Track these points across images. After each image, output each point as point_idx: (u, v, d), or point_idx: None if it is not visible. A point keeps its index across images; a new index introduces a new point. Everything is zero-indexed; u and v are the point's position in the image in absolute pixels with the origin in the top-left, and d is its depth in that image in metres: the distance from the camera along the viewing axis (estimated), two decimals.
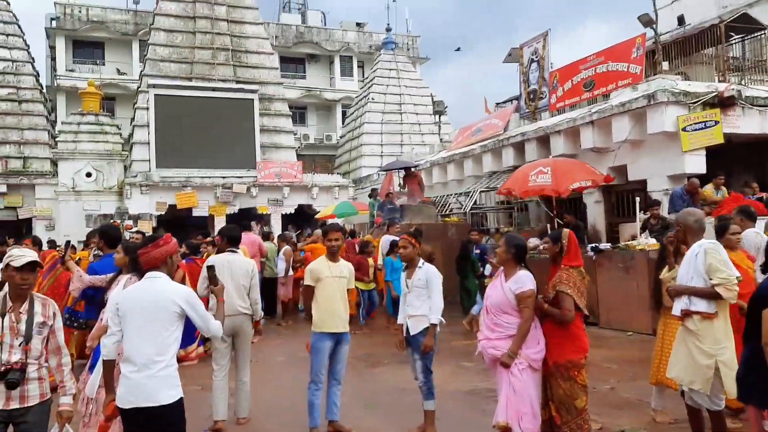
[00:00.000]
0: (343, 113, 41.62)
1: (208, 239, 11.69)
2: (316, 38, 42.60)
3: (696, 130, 11.76)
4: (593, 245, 11.00)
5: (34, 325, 3.67)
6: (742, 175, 12.84)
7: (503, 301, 4.71)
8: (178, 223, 25.56)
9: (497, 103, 21.89)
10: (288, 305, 13.19)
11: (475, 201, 16.81)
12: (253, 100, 27.45)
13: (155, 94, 25.60)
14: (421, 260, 5.59)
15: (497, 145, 16.70)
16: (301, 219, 28.52)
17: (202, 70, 26.97)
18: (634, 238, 10.73)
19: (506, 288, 4.73)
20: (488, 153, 17.15)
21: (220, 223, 25.71)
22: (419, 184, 15.78)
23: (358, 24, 44.67)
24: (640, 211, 12.51)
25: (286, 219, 26.97)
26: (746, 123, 12.26)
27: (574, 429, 4.67)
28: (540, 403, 4.68)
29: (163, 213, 24.89)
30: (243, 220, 27.07)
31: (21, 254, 3.60)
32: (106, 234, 6.45)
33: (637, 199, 11.43)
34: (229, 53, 27.87)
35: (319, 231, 14.58)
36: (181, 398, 3.76)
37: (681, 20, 15.83)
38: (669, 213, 11.57)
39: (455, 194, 17.09)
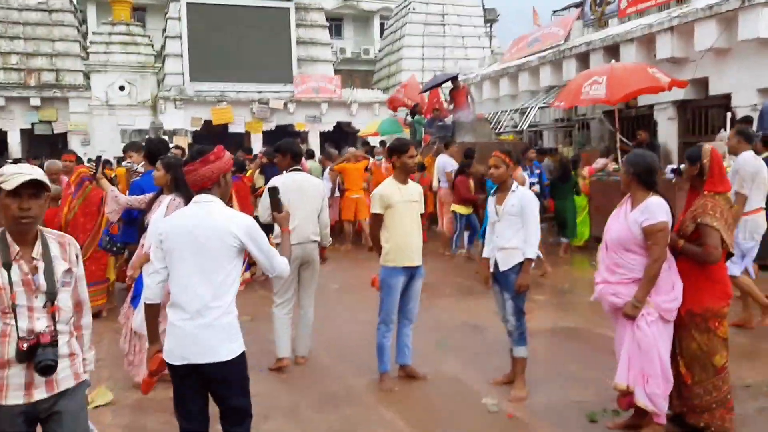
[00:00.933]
0: (382, 25, 39.70)
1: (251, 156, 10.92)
2: None
3: None
4: (673, 166, 9.91)
5: (58, 276, 2.59)
6: None
7: (627, 236, 3.83)
8: (215, 139, 24.86)
9: (554, 11, 20.20)
10: (334, 228, 12.46)
11: (531, 118, 15.65)
12: (288, 9, 26.06)
13: (188, 2, 24.35)
14: (515, 183, 4.68)
15: (557, 57, 15.32)
16: (340, 137, 27.58)
17: None
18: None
19: (631, 219, 3.84)
20: (546, 65, 15.80)
21: (256, 140, 25.01)
22: (468, 98, 14.61)
23: None
24: (724, 129, 11.32)
25: (325, 137, 26.05)
26: None
27: (709, 390, 3.85)
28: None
29: (198, 129, 24.18)
30: (282, 137, 26.28)
31: (16, 171, 2.47)
32: (152, 148, 5.63)
33: (728, 114, 10.19)
34: None
35: (352, 149, 13.71)
36: (243, 352, 3.02)
37: None
38: (758, 131, 10.36)
39: (510, 110, 15.89)
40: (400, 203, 4.80)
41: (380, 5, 40.11)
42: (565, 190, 10.38)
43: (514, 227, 4.55)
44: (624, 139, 13.53)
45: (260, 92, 25.04)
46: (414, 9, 32.32)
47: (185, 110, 23.90)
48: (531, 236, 4.53)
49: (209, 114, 24.08)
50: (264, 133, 25.10)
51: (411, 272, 4.84)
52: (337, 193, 12.11)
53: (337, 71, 30.35)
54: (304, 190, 5.33)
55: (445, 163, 10.79)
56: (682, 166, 10.01)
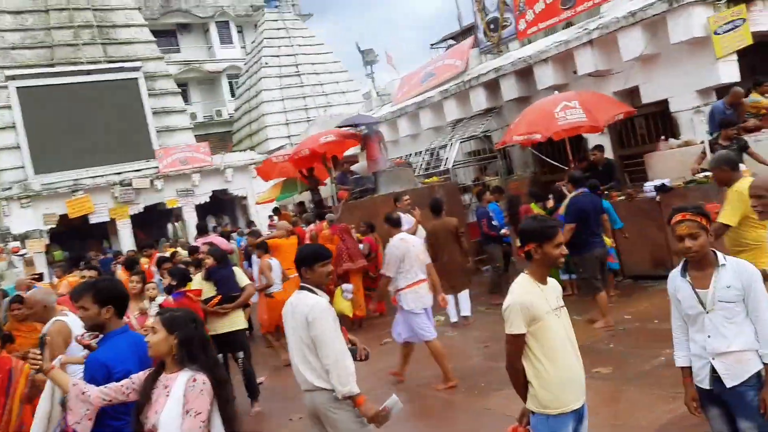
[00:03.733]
0: (231, 84, 37.85)
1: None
2: (185, 5, 38.09)
3: (726, 32, 10.04)
4: (656, 183, 9.08)
5: None
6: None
7: None
8: (76, 234, 21.64)
9: (432, 45, 19.58)
10: (278, 323, 10.45)
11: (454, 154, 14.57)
12: (137, 79, 23.60)
13: (17, 87, 21.16)
14: (721, 255, 3.26)
15: (462, 88, 14.45)
16: (219, 208, 25.23)
17: (65, 54, 22.80)
18: (699, 171, 8.87)
19: None
20: (451, 98, 14.88)
21: (124, 226, 22.12)
22: (382, 144, 13.26)
23: None
24: (664, 138, 10.81)
25: (202, 210, 23.62)
26: (764, 18, 10.68)
27: None
28: None
29: (54, 226, 20.84)
30: (152, 218, 23.55)
31: None
32: (103, 287, 3.58)
33: (701, 119, 9.57)
34: (94, 30, 23.77)
35: (283, 223, 11.85)
36: None
37: None
38: (711, 133, 9.89)
39: (424, 151, 14.73)
40: (550, 314, 3.21)
41: (225, 65, 38.28)
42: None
43: (737, 318, 3.12)
44: (553, 161, 12.82)
45: (120, 174, 22.20)
46: (267, 63, 30.88)
47: (34, 208, 20.52)
48: (766, 327, 3.10)
49: (64, 207, 20.86)
50: (132, 217, 22.23)
51: (580, 414, 3.24)
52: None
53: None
54: (291, 316, 3.86)
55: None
56: (666, 182, 9.29)
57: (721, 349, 3.13)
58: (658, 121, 11.44)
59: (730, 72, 10.29)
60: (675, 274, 3.36)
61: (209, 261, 6.78)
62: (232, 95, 37.11)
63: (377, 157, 12.43)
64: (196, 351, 2.99)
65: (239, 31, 39.79)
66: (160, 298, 6.31)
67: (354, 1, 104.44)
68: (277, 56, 31.25)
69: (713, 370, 3.16)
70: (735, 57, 10.31)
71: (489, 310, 9.33)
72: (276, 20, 32.47)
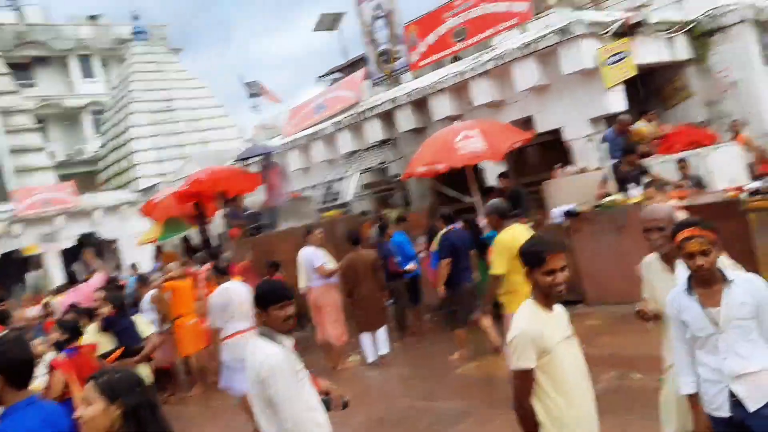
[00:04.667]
0: (95, 120, 35.55)
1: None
2: (42, 37, 35.49)
3: (614, 63, 10.51)
4: (564, 208, 9.16)
5: None
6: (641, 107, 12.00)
7: None
8: None
9: (319, 77, 19.27)
10: (172, 371, 9.45)
11: (326, 189, 14.20)
12: None
13: None
14: (728, 270, 3.05)
15: (357, 119, 14.19)
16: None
17: None
18: (605, 195, 9.08)
19: None
20: (345, 130, 14.56)
21: None
22: (281, 177, 12.68)
23: (91, 17, 38.30)
24: (561, 165, 11.08)
25: (69, 255, 21.60)
26: (645, 51, 11.33)
27: None
28: None
29: None
30: (6, 267, 21.15)
31: None
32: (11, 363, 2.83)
33: (594, 146, 9.82)
34: None
35: (173, 265, 10.87)
36: None
37: None
38: (611, 159, 10.24)
39: (320, 184, 14.26)
40: (561, 344, 2.85)
41: (87, 100, 35.92)
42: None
43: (752, 336, 2.90)
44: (453, 192, 12.82)
45: None
46: (136, 98, 29.28)
47: None
48: None
49: None
50: None
51: None
52: (165, 326, 9.17)
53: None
54: (248, 365, 3.32)
55: (313, 256, 8.67)
56: (574, 206, 9.41)
57: (739, 371, 2.90)
58: (552, 150, 11.74)
59: (617, 101, 10.75)
60: (678, 293, 3.12)
61: (106, 309, 5.87)
62: (97, 132, 34.85)
63: (277, 191, 11.80)
64: (146, 423, 2.32)
65: (103, 65, 37.60)
66: (50, 356, 5.34)
67: (234, 35, 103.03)
68: (148, 90, 29.75)
69: (731, 395, 2.92)
70: (622, 87, 10.81)
71: (405, 345, 8.94)
72: (145, 53, 31.02)
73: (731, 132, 10.72)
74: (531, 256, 2.90)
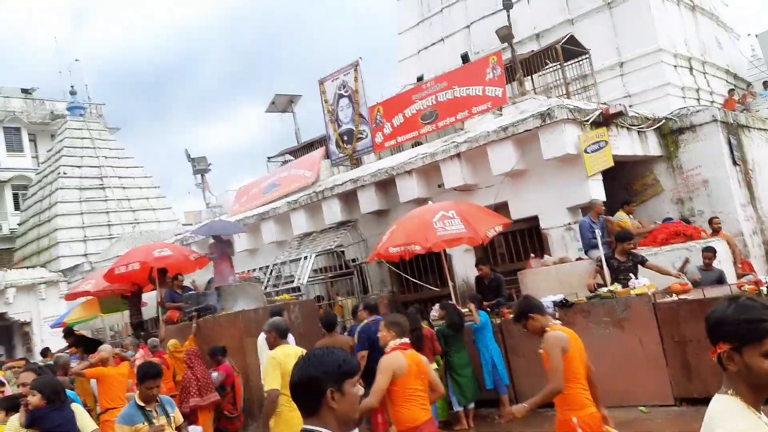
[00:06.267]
0: (16, 195, 33.33)
1: None
2: None
3: (594, 151, 10.15)
4: (558, 299, 8.34)
5: None
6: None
7: None
8: None
9: (269, 158, 18.40)
10: None
11: (276, 272, 13.03)
12: None
13: None
14: None
15: (315, 199, 13.29)
16: None
17: None
18: (598, 287, 8.35)
19: None
20: (300, 210, 13.61)
21: None
22: (230, 256, 11.47)
23: (24, 90, 36.75)
24: (537, 255, 10.42)
25: None
26: (619, 143, 11.09)
27: None
28: None
29: None
30: None
31: None
32: None
33: (573, 236, 9.18)
34: None
35: (106, 346, 9.38)
36: None
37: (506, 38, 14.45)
38: (585, 250, 9.65)
39: (272, 265, 13.05)
40: None
41: (11, 174, 33.76)
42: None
43: None
44: (417, 280, 11.92)
45: None
46: (65, 174, 27.62)
47: None
48: None
49: None
50: None
51: None
52: None
53: None
54: None
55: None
56: (570, 297, 8.60)
57: None
58: (526, 238, 11.12)
59: (597, 190, 10.33)
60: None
61: (34, 399, 4.46)
62: (16, 208, 32.61)
63: (227, 270, 10.58)
64: None
65: (31, 140, 35.76)
66: None
67: (180, 117, 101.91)
68: (79, 167, 28.18)
69: None
70: (600, 177, 10.42)
71: None
72: (80, 129, 29.66)
73: (711, 229, 10.38)
74: (747, 327, 1.94)
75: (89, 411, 7.72)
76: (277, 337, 5.62)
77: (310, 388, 2.24)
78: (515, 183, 10.89)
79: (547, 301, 8.40)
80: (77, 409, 4.86)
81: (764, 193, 12.50)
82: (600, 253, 9.14)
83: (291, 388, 2.30)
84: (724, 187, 11.47)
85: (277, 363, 5.26)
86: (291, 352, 5.46)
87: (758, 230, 11.93)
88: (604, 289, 7.99)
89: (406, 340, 4.86)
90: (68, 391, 5.28)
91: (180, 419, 4.91)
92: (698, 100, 15.42)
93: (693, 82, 15.96)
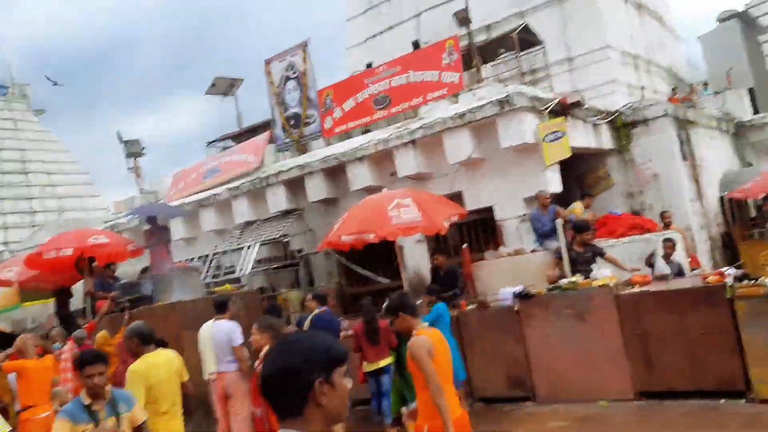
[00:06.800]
0: None
1: None
2: None
3: (552, 141, 9.93)
4: (515, 290, 8.01)
5: None
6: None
7: None
8: None
9: (209, 142, 17.52)
10: None
11: (216, 262, 12.33)
12: None
13: None
14: None
15: (259, 186, 12.61)
16: None
17: None
18: (559, 278, 8.07)
19: None
20: (242, 197, 12.90)
21: None
22: (167, 243, 10.70)
23: None
24: (493, 246, 10.15)
25: None
26: (575, 134, 10.92)
27: None
28: None
29: None
30: None
31: None
32: None
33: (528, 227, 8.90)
34: None
35: (27, 335, 8.55)
36: None
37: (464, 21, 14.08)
38: (540, 242, 9.44)
39: (211, 254, 12.30)
40: None
41: None
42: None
43: None
44: (367, 272, 11.49)
45: None
46: None
47: None
48: None
49: None
50: None
51: None
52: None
53: None
54: None
55: (232, 333, 6.86)
56: (531, 288, 8.29)
57: None
58: (480, 230, 10.82)
59: (554, 181, 10.12)
60: None
61: None
62: None
63: (164, 258, 9.83)
64: None
65: None
66: None
67: (112, 105, 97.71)
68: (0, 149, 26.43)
69: None
70: (557, 167, 10.21)
71: None
72: (2, 110, 27.81)
73: (662, 223, 10.33)
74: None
75: (5, 408, 6.97)
76: (140, 344, 5.00)
77: (290, 382, 1.72)
78: (471, 172, 10.57)
79: (507, 292, 8.12)
80: None
81: (709, 189, 12.63)
82: (557, 244, 8.94)
83: (263, 383, 1.78)
84: (674, 181, 11.48)
85: (139, 377, 4.73)
86: (159, 360, 4.99)
87: (705, 225, 12.02)
88: (565, 281, 7.72)
89: None
90: None
91: (140, 417, 4.19)
92: (642, 98, 15.54)
93: (638, 79, 16.09)
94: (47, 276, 11.33)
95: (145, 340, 5.05)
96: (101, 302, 10.48)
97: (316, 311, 7.62)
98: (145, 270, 10.72)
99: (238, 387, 6.70)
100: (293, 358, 1.73)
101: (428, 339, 3.99)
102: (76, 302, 12.26)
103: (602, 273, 7.54)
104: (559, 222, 8.52)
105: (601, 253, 8.11)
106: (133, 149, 15.47)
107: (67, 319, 11.25)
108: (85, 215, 24.87)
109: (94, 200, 27.43)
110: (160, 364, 4.95)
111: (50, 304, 11.97)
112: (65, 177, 27.89)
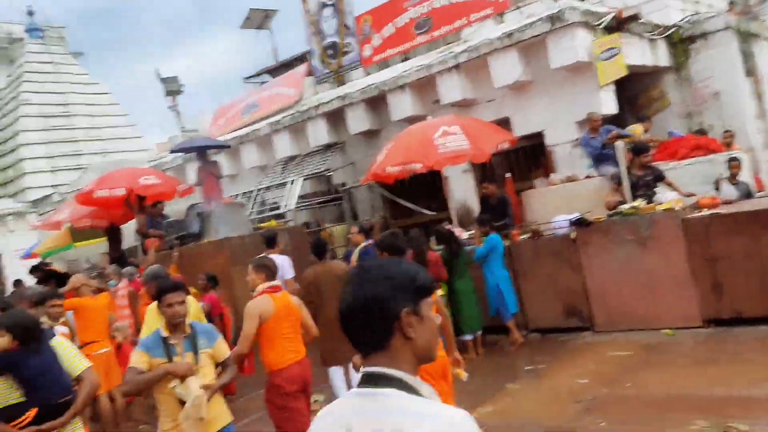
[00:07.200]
0: None
1: None
2: None
3: (607, 59, 9.34)
4: (573, 217, 7.69)
5: None
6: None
7: None
8: None
9: (246, 78, 17.23)
10: None
11: (260, 198, 12.22)
12: None
13: None
14: None
15: (299, 120, 12.35)
16: None
17: None
18: (619, 204, 7.68)
19: None
20: (284, 132, 12.68)
21: None
22: (217, 178, 10.63)
23: None
24: (541, 172, 9.77)
25: None
26: (629, 51, 10.26)
27: None
28: None
29: None
30: None
31: None
32: None
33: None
34: None
35: (79, 275, 8.64)
36: None
37: None
38: (594, 168, 9.00)
39: (256, 190, 12.21)
40: None
41: None
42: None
43: None
44: (410, 204, 11.24)
45: None
46: (27, 100, 26.03)
47: None
48: None
49: None
50: None
51: None
52: None
53: None
54: None
55: (283, 267, 6.78)
56: (587, 215, 7.96)
57: None
58: (529, 157, 10.42)
59: (609, 102, 9.59)
60: None
61: (2, 341, 3.56)
62: None
63: (214, 193, 9.75)
64: None
65: None
66: None
67: (147, 45, 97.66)
68: (42, 93, 26.56)
69: None
70: (612, 87, 9.65)
71: None
72: (41, 53, 27.81)
73: (724, 143, 9.75)
74: None
75: None
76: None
77: (375, 311, 1.49)
78: (518, 96, 10.09)
79: (562, 220, 7.80)
80: (60, 344, 3.68)
81: None
82: (612, 168, 8.53)
83: (343, 315, 1.56)
84: (736, 99, 10.77)
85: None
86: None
87: None
88: (626, 206, 7.34)
89: (276, 282, 4.76)
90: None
91: (223, 352, 3.87)
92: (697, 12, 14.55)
93: None
94: (98, 216, 11.42)
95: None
96: (151, 240, 10.57)
97: (363, 244, 7.46)
98: (191, 207, 10.66)
99: None
100: (378, 285, 1.50)
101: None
102: (127, 242, 12.40)
103: (667, 197, 7.13)
104: (620, 145, 8.06)
105: (661, 177, 7.67)
106: (172, 87, 15.31)
107: (119, 259, 11.39)
108: (129, 157, 25.07)
109: (136, 142, 27.57)
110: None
111: (102, 243, 12.12)
112: (107, 119, 28.02)
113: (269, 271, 4.75)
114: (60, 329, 4.98)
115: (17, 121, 25.76)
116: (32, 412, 3.31)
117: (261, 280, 4.74)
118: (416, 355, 1.53)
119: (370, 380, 1.50)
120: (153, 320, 4.77)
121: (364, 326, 1.51)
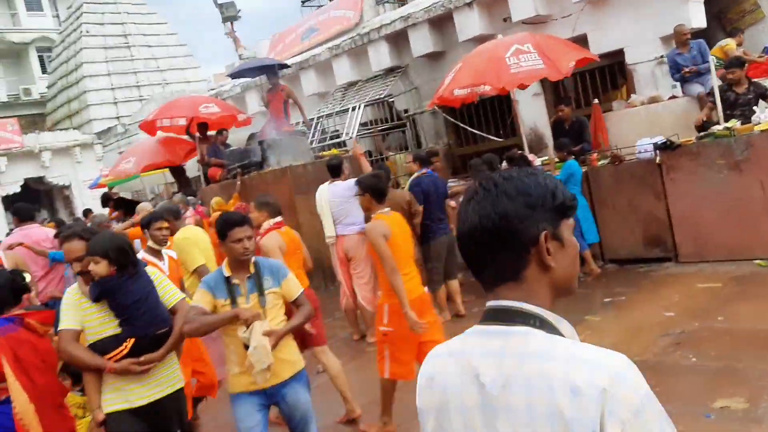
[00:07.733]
0: (42, 58, 32.14)
1: None
2: None
3: None
4: (651, 140, 7.14)
5: None
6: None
7: None
8: None
9: (303, 2, 16.71)
10: None
11: (321, 126, 11.94)
12: None
13: None
14: None
15: (359, 43, 11.88)
16: (34, 200, 20.49)
17: None
18: (705, 123, 7.08)
19: None
20: (343, 56, 12.26)
21: None
22: (286, 105, 10.39)
23: None
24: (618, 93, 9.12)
25: (11, 201, 18.90)
26: None
27: None
28: None
29: None
30: None
31: None
32: None
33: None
34: None
35: (145, 204, 8.71)
36: None
37: None
38: (680, 87, 8.31)
39: (318, 117, 11.93)
40: None
41: (34, 35, 32.34)
42: None
43: None
44: (477, 131, 10.74)
45: None
46: (88, 32, 26.14)
47: None
48: None
49: None
50: None
51: None
52: None
53: None
54: None
55: (350, 194, 6.54)
56: (674, 137, 7.40)
57: None
58: (606, 77, 9.75)
59: (698, 14, 8.77)
60: None
61: (99, 268, 3.17)
62: (44, 71, 31.53)
63: (280, 119, 9.53)
64: None
65: None
66: None
67: None
68: (101, 24, 26.64)
69: None
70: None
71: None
72: None
73: None
74: None
75: None
76: (173, 219, 5.26)
77: (506, 235, 1.19)
78: (596, 11, 9.34)
79: (645, 144, 7.26)
80: (153, 273, 3.45)
81: None
82: (700, 88, 7.86)
83: (462, 238, 1.25)
84: None
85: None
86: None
87: None
88: (719, 127, 6.73)
89: (280, 219, 4.80)
90: None
91: (293, 291, 3.50)
92: None
93: None
94: (161, 161, 11.46)
95: (176, 215, 5.50)
96: (214, 169, 10.51)
97: (416, 174, 7.11)
98: (252, 136, 10.50)
99: (359, 249, 6.44)
100: (511, 200, 1.18)
101: (384, 222, 4.09)
102: (189, 172, 12.41)
103: (767, 115, 6.49)
104: (712, 60, 7.36)
105: (765, 95, 6.98)
106: (229, 13, 14.96)
107: (187, 188, 11.44)
108: (188, 87, 25.11)
109: (194, 72, 27.57)
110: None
111: (166, 173, 12.17)
112: (166, 49, 28.01)
113: (272, 207, 4.83)
114: (168, 253, 4.88)
115: (80, 53, 26.00)
116: (129, 343, 3.16)
117: (264, 217, 4.79)
118: (555, 288, 1.24)
119: (498, 316, 1.22)
120: (195, 249, 4.99)
121: (493, 252, 1.21)
